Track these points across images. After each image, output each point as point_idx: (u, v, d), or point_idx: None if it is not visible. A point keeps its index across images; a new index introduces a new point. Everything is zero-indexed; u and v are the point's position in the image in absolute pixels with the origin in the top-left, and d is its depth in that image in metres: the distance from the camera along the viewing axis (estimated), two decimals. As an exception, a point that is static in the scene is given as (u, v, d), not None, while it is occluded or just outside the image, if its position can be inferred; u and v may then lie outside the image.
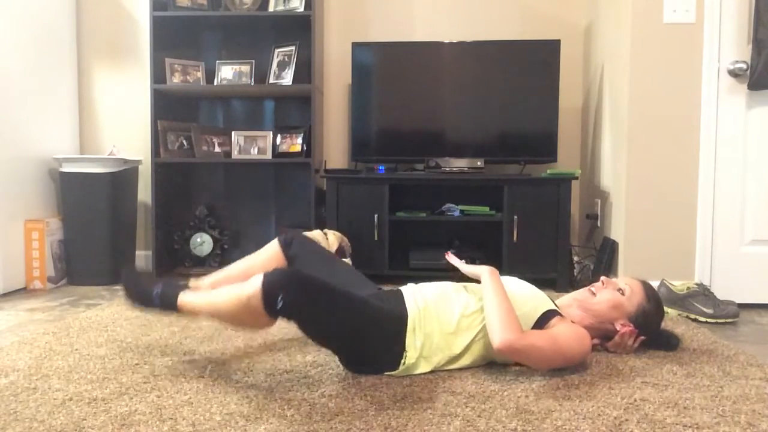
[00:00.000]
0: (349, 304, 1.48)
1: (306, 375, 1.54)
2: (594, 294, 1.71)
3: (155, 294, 1.60)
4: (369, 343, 1.52)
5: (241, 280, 1.48)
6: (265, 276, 1.38)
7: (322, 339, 1.54)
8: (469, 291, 1.66)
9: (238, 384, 1.47)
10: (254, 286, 1.38)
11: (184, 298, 1.57)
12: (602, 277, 1.76)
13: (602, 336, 1.73)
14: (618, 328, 1.69)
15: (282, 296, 1.36)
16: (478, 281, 1.66)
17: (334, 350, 1.58)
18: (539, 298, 1.64)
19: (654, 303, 1.72)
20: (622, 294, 1.69)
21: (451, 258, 1.82)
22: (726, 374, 1.58)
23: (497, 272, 1.63)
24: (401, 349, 1.52)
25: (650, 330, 1.73)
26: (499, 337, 1.44)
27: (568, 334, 1.53)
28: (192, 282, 1.79)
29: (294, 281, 1.39)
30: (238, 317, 1.46)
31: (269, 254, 1.88)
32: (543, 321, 1.58)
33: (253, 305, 1.38)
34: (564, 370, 1.58)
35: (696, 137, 2.50)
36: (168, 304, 1.59)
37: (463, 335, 1.56)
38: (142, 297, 1.63)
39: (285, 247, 1.87)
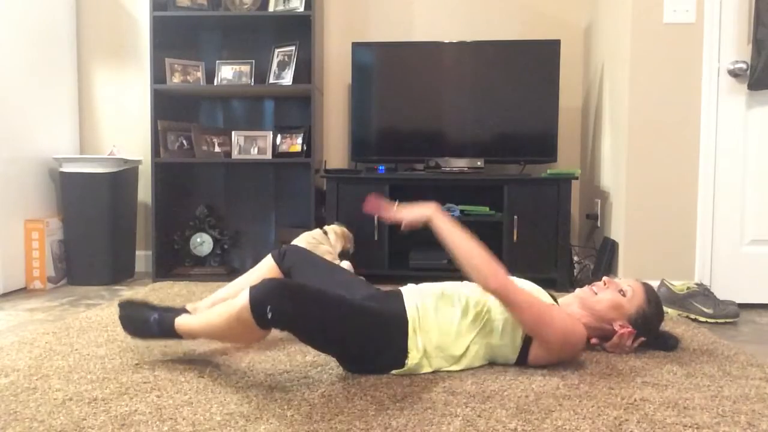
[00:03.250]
0: (342, 309, 1.48)
1: (306, 375, 1.54)
2: (595, 293, 1.72)
3: (153, 320, 1.61)
4: (367, 345, 1.52)
5: None
6: (251, 289, 1.40)
7: (319, 345, 1.55)
8: (469, 291, 1.66)
9: (238, 384, 1.47)
10: (243, 299, 1.40)
11: (181, 321, 1.59)
12: (604, 277, 1.76)
13: (601, 336, 1.73)
14: (616, 329, 1.69)
15: (270, 307, 1.37)
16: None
17: (333, 355, 1.58)
18: (539, 294, 1.64)
19: (654, 306, 1.72)
20: (623, 295, 1.70)
21: (375, 206, 1.70)
22: (726, 374, 1.58)
23: (440, 209, 1.59)
24: (403, 350, 1.52)
25: (649, 332, 1.73)
26: (492, 279, 1.48)
27: (562, 314, 1.56)
28: (189, 306, 1.82)
29: (281, 291, 1.40)
30: (232, 333, 1.48)
31: (264, 269, 1.91)
32: None
33: (244, 319, 1.39)
34: (564, 370, 1.58)
35: (696, 137, 2.50)
36: (166, 331, 1.60)
37: (464, 337, 1.56)
38: (141, 329, 1.64)
39: (279, 259, 1.90)
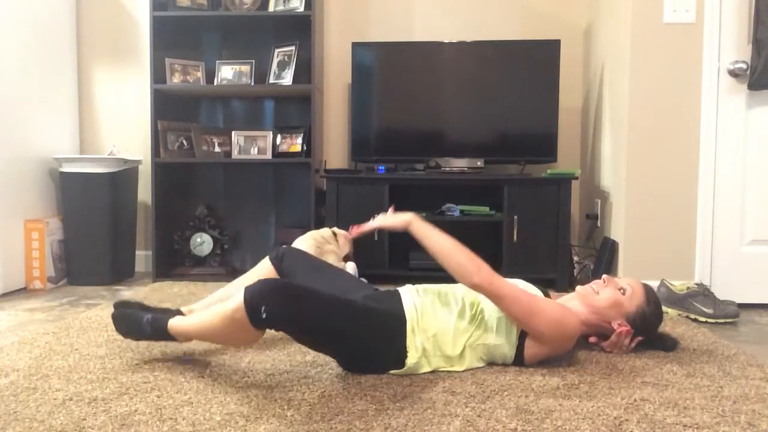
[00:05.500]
0: (338, 308, 1.48)
1: (306, 375, 1.54)
2: (595, 291, 1.72)
3: (146, 321, 1.61)
4: (365, 345, 1.52)
5: None
6: (247, 289, 1.40)
7: (315, 345, 1.55)
8: (466, 293, 1.66)
9: (238, 384, 1.47)
10: (238, 300, 1.40)
11: (175, 323, 1.59)
12: (604, 276, 1.76)
13: (599, 334, 1.73)
14: (615, 327, 1.69)
15: (265, 307, 1.37)
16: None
17: (330, 355, 1.59)
18: (527, 289, 1.66)
19: (653, 306, 1.72)
20: (623, 293, 1.70)
21: (361, 228, 1.80)
22: (726, 374, 1.58)
23: (418, 217, 1.66)
24: (402, 349, 1.52)
25: (647, 332, 1.73)
26: (475, 275, 1.50)
27: (552, 304, 1.56)
28: (184, 308, 1.80)
29: (276, 290, 1.40)
30: (227, 333, 1.48)
31: (262, 271, 1.90)
32: None
33: (239, 318, 1.39)
34: (564, 370, 1.58)
35: (696, 137, 2.50)
36: (159, 332, 1.60)
37: (461, 337, 1.56)
38: (134, 329, 1.64)
39: (277, 262, 1.89)
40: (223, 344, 1.72)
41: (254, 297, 1.38)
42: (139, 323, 1.62)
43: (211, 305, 1.78)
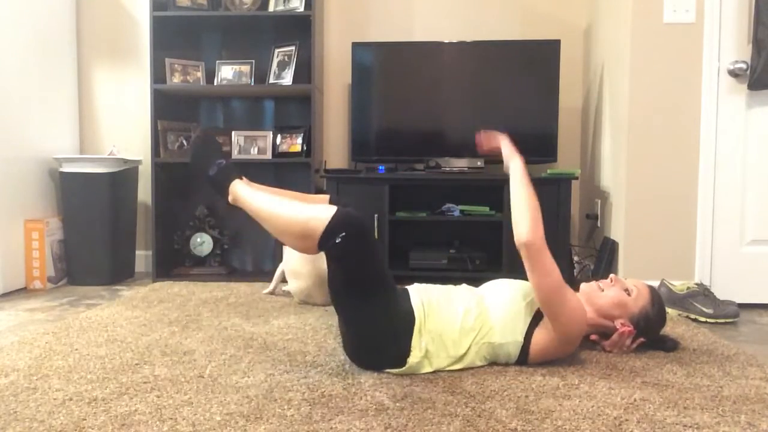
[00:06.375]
0: (385, 282, 1.52)
1: (306, 375, 1.54)
2: (601, 289, 1.73)
3: (217, 163, 1.65)
4: (379, 329, 1.52)
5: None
6: (340, 210, 1.44)
7: (343, 298, 1.54)
8: (472, 294, 1.66)
9: (238, 384, 1.47)
10: (324, 211, 1.43)
11: (241, 186, 1.62)
12: (612, 275, 1.76)
13: (601, 333, 1.73)
14: (617, 327, 1.69)
15: (345, 235, 1.41)
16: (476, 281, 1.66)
17: (345, 317, 1.56)
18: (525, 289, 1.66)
19: (657, 309, 1.72)
20: (629, 294, 1.70)
21: (486, 136, 1.80)
22: (726, 374, 1.58)
23: (523, 164, 1.65)
24: (406, 348, 1.52)
25: (649, 334, 1.73)
26: (529, 233, 1.50)
27: (576, 297, 1.56)
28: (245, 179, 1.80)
29: (362, 228, 1.45)
30: (287, 228, 1.50)
31: (319, 201, 1.86)
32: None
33: (311, 227, 1.43)
34: (564, 370, 1.58)
35: (696, 137, 2.50)
36: (220, 181, 1.64)
37: (466, 336, 1.56)
38: (203, 159, 1.68)
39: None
40: (273, 232, 1.60)
41: (341, 219, 1.41)
42: (210, 159, 1.66)
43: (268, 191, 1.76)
